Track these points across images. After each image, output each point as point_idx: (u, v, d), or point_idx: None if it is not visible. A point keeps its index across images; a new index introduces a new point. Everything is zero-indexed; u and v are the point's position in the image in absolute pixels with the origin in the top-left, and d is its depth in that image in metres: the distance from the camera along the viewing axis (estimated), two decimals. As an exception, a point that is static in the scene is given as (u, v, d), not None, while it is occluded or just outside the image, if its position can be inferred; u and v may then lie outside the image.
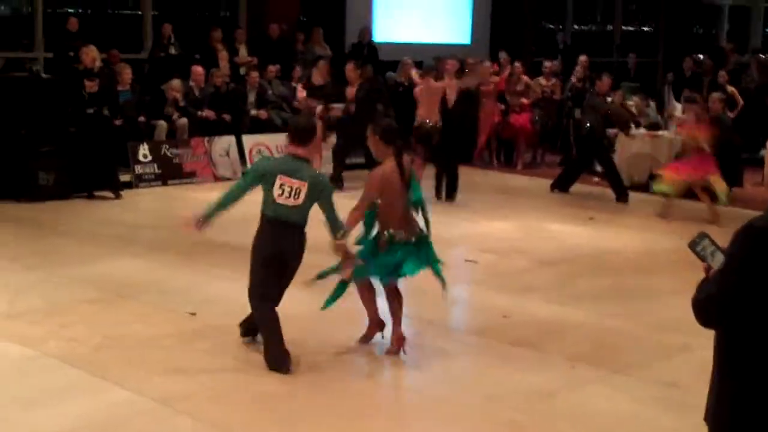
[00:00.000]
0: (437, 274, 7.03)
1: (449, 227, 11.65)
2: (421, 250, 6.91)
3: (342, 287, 6.94)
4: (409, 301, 7.25)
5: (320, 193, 6.54)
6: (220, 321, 7.42)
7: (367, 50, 17.87)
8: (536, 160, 16.64)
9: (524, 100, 16.31)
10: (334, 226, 6.58)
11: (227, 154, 14.23)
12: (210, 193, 12.69)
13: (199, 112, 14.44)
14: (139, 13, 17.26)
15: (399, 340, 6.95)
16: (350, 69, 14.00)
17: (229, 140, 14.29)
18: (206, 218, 6.64)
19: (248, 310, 6.84)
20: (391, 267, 6.82)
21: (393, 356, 6.89)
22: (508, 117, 16.25)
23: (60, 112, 12.49)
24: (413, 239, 6.86)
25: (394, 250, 6.80)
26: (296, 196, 6.43)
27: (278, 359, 6.51)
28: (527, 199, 13.45)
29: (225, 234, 8.64)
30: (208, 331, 7.23)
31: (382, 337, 7.12)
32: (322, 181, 6.72)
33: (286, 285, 6.70)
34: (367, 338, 7.18)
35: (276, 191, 6.42)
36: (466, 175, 15.31)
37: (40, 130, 12.14)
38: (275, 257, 6.54)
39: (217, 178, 13.87)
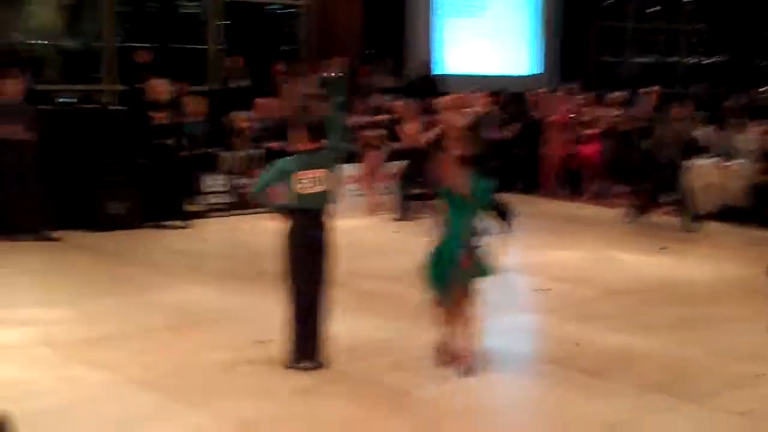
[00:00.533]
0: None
1: (518, 256, 11.63)
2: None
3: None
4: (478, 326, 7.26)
5: (334, 159, 7.22)
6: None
7: (427, 83, 17.90)
8: (603, 190, 16.52)
9: (591, 131, 16.25)
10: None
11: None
12: (275, 223, 12.87)
13: (266, 144, 14.57)
14: (206, 47, 17.51)
15: (464, 356, 7.08)
16: (401, 106, 14.08)
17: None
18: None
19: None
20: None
21: (463, 379, 6.94)
22: (576, 147, 16.21)
23: (130, 143, 12.70)
24: None
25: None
26: (320, 183, 6.94)
27: (309, 348, 6.93)
28: (595, 229, 13.37)
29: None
30: (279, 357, 7.26)
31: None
32: (329, 154, 7.17)
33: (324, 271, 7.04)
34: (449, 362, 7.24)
35: (297, 186, 6.89)
36: (533, 204, 15.33)
37: (111, 161, 12.34)
38: (312, 244, 6.98)
39: (283, 208, 13.95)
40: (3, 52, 14.86)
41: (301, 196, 6.92)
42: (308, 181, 6.91)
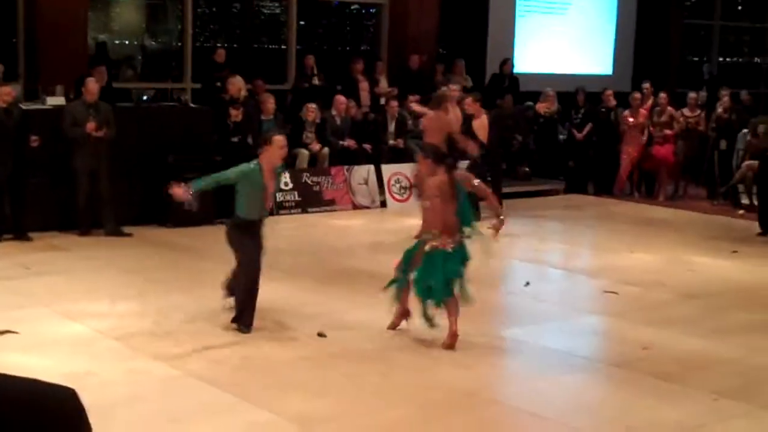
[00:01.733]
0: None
1: (589, 258, 11.53)
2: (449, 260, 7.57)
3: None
4: (546, 328, 7.19)
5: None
6: (358, 345, 7.52)
7: (508, 81, 17.84)
8: (678, 192, 16.31)
9: (668, 132, 16.03)
10: None
11: (366, 182, 14.40)
12: (349, 221, 12.93)
13: (341, 142, 14.64)
14: (284, 47, 17.65)
15: (453, 336, 7.50)
16: (468, 103, 13.64)
17: (368, 169, 14.46)
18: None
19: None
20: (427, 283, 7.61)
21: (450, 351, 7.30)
22: (651, 148, 16.00)
23: (206, 140, 12.83)
24: (450, 248, 7.55)
25: (430, 262, 7.56)
26: None
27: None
28: (669, 232, 13.16)
29: (359, 261, 8.71)
30: (345, 354, 7.29)
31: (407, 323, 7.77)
32: None
33: None
34: (394, 326, 7.88)
35: None
36: (606, 206, 15.18)
37: (187, 157, 12.48)
38: None
39: (356, 206, 14.04)
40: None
41: None
42: None
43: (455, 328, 7.49)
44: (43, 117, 11.71)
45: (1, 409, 1.76)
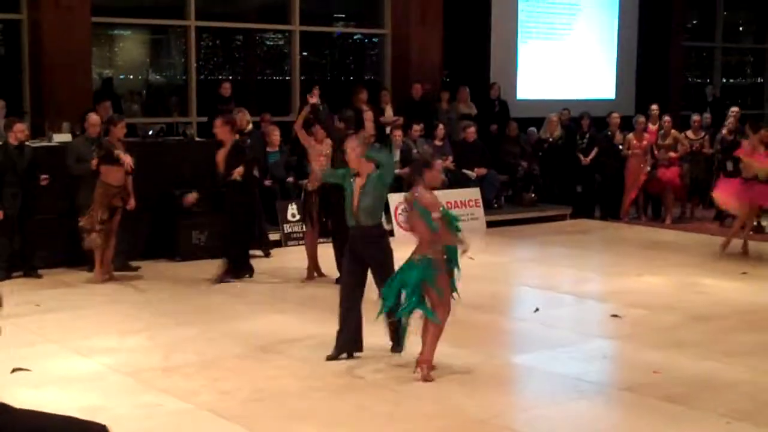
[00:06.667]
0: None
1: (597, 283, 11.53)
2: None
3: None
4: (557, 354, 7.18)
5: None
6: (369, 375, 7.50)
7: (498, 106, 17.87)
8: (685, 215, 16.33)
9: (672, 154, 16.05)
10: None
11: (373, 211, 14.37)
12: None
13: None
14: (287, 78, 17.72)
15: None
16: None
17: (375, 198, 14.44)
18: None
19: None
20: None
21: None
22: (656, 171, 16.02)
23: (212, 173, 12.86)
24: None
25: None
26: None
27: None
28: (677, 254, 13.17)
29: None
30: (356, 384, 7.29)
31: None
32: None
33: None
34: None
35: None
36: (613, 230, 15.19)
37: (193, 190, 12.50)
38: None
39: (364, 236, 14.02)
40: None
41: None
42: None
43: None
44: (49, 154, 11.76)
45: None
